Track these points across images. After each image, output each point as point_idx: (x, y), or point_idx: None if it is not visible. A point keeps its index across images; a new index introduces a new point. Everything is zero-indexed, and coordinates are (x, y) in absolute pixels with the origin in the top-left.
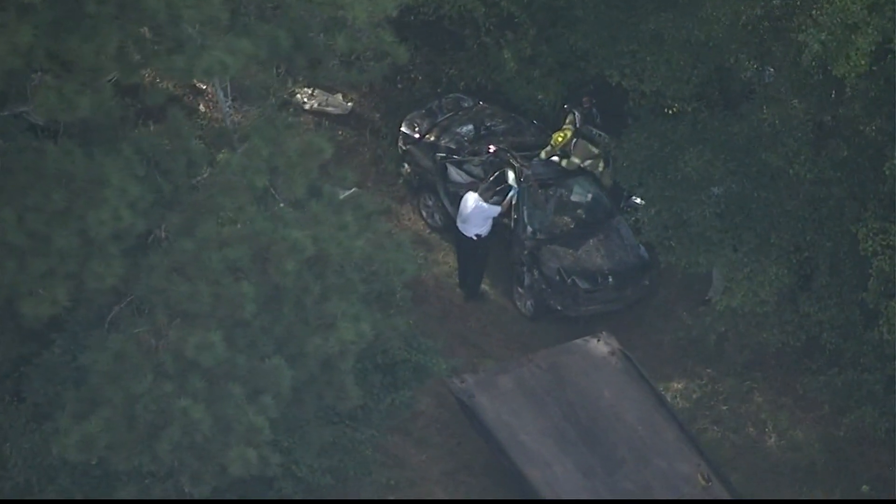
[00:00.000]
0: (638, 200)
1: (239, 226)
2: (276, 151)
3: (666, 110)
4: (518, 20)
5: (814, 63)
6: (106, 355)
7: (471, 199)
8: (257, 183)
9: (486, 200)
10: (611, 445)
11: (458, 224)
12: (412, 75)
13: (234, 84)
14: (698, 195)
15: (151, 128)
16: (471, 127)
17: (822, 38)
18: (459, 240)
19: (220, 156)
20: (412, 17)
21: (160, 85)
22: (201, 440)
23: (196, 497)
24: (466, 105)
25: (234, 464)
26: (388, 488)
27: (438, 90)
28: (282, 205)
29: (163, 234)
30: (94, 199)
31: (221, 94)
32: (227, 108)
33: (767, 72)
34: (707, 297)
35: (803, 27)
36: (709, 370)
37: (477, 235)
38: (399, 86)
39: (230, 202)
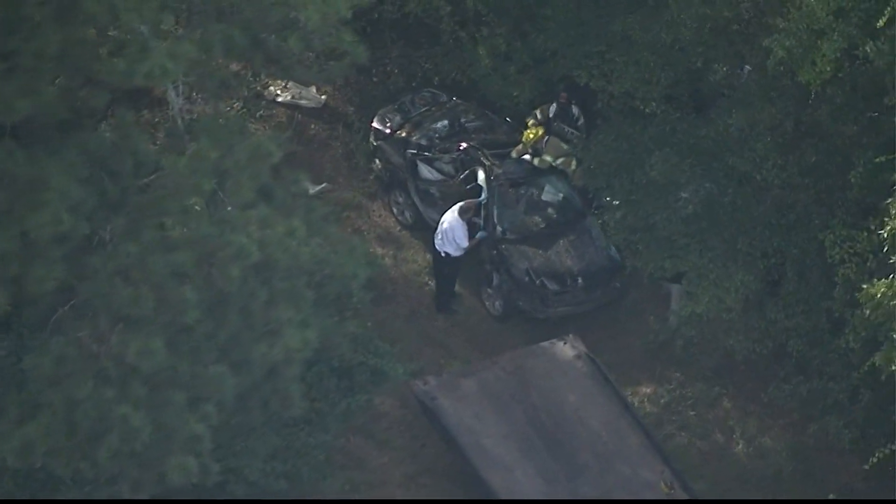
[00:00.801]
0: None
1: (185, 229)
2: (224, 154)
3: (636, 111)
4: (486, 18)
5: (780, 68)
6: (47, 359)
7: (447, 216)
8: (204, 186)
9: (464, 220)
10: (574, 450)
11: (436, 241)
12: (388, 68)
13: (193, 82)
14: (665, 199)
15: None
16: (443, 123)
17: (787, 44)
18: (435, 255)
19: (168, 158)
20: (376, 15)
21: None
22: (141, 448)
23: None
24: (440, 101)
25: (173, 472)
26: (347, 490)
27: (413, 84)
28: (229, 208)
29: (107, 237)
30: (34, 201)
31: (173, 94)
32: (179, 108)
33: (744, 72)
34: (669, 315)
35: (773, 32)
36: (678, 374)
37: (451, 254)
38: (374, 79)
39: (176, 205)
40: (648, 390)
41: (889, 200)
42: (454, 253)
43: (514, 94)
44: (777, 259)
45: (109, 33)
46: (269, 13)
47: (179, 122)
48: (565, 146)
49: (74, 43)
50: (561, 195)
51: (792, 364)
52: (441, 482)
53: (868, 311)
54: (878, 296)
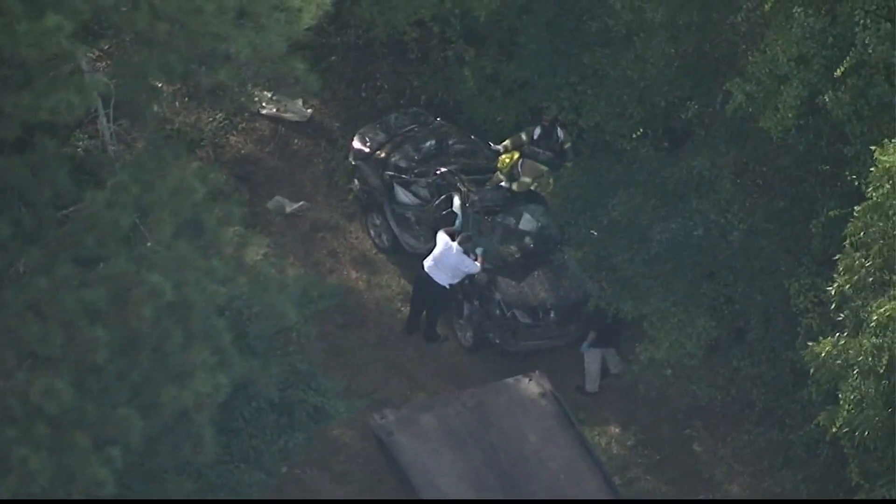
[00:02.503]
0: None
1: (101, 265)
2: (146, 188)
3: (607, 146)
4: (454, 43)
5: (739, 113)
6: None
7: (452, 248)
8: (122, 221)
9: (465, 248)
10: (530, 493)
11: (428, 266)
12: (377, 83)
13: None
14: (628, 239)
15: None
16: (423, 146)
17: (748, 88)
18: (424, 282)
19: (88, 191)
20: (338, 39)
21: None
22: (39, 491)
23: None
24: (424, 121)
25: None
26: None
27: (401, 102)
28: (149, 244)
29: (21, 270)
30: None
31: (104, 121)
32: (109, 136)
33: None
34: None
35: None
36: (649, 415)
37: (450, 285)
38: (363, 94)
39: (93, 240)
40: (617, 430)
41: (838, 256)
42: (456, 282)
43: (499, 118)
44: (742, 305)
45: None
46: (200, 43)
47: (110, 150)
48: (542, 167)
49: None
50: (538, 225)
51: (755, 413)
52: None
53: (812, 370)
54: (823, 354)
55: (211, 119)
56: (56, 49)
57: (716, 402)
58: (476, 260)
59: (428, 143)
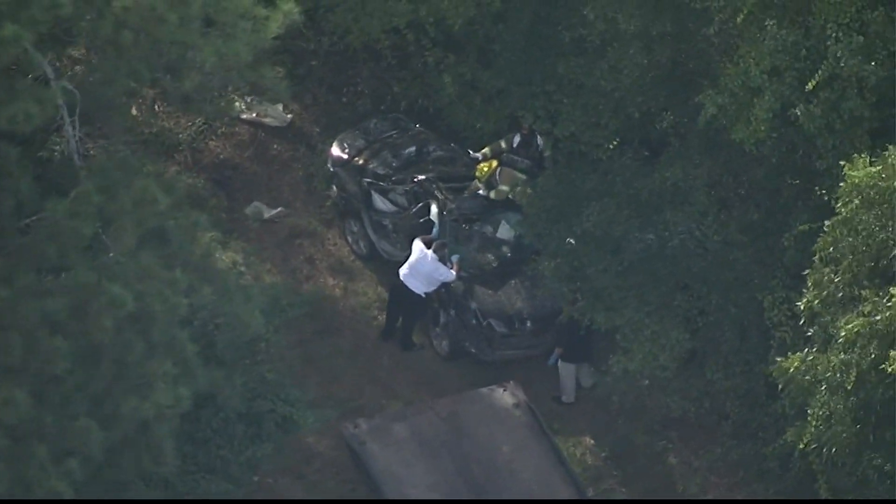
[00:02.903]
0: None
1: (63, 275)
2: (109, 198)
3: (583, 156)
4: (430, 51)
5: (713, 125)
6: None
7: (427, 256)
8: (84, 231)
9: (440, 256)
10: None
11: (403, 274)
12: (358, 88)
13: (93, 117)
14: (601, 250)
15: None
16: (402, 153)
17: (720, 101)
18: (400, 289)
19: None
20: (311, 47)
21: None
22: None
23: None
24: (403, 128)
25: None
26: None
27: (382, 108)
28: (111, 255)
29: None
30: None
31: (69, 129)
32: (74, 144)
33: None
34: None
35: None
36: (624, 426)
37: (425, 293)
38: (343, 99)
39: (55, 249)
40: (591, 441)
41: (807, 272)
42: (432, 290)
43: (478, 125)
44: (716, 317)
45: None
46: (166, 52)
47: (76, 159)
48: (520, 175)
49: None
50: (516, 233)
51: (730, 425)
52: None
53: (780, 386)
54: (792, 370)
55: (190, 123)
56: (16, 58)
57: (690, 414)
58: (452, 268)
59: (407, 150)
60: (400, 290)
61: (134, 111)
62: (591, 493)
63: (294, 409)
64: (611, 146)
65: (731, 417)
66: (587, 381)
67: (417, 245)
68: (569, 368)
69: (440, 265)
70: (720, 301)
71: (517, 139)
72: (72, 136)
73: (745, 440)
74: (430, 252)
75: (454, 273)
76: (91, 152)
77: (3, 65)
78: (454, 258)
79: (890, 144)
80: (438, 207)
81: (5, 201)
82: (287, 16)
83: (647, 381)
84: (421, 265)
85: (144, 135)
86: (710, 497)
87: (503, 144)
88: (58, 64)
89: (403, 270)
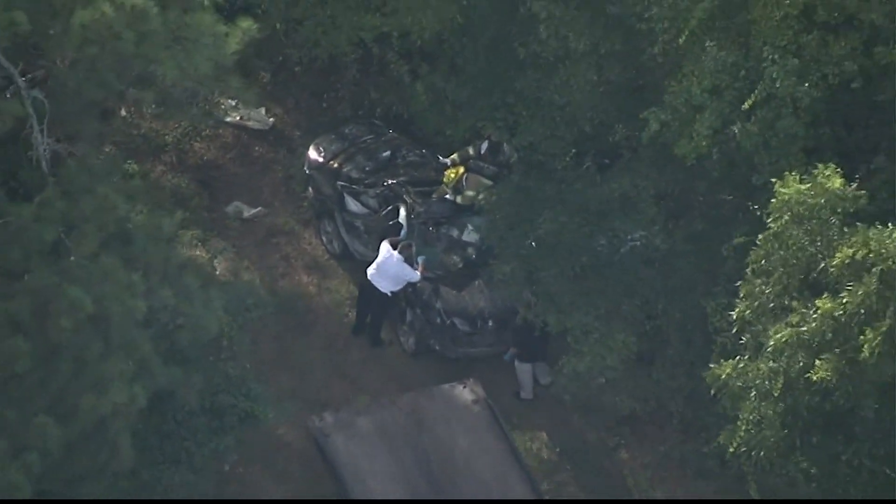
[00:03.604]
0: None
1: (26, 277)
2: (71, 204)
3: (541, 166)
4: (394, 65)
5: (658, 140)
6: None
7: (393, 256)
8: (47, 235)
9: (405, 256)
10: (458, 496)
11: (371, 274)
12: (339, 94)
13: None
14: (553, 257)
15: None
16: (375, 157)
17: (663, 117)
18: (368, 288)
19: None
20: (280, 58)
21: None
22: None
23: None
24: (378, 133)
25: None
26: None
27: (360, 113)
28: (72, 258)
29: None
30: None
31: (38, 136)
32: (43, 151)
33: None
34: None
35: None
36: (579, 422)
37: (392, 292)
38: (324, 105)
39: (19, 252)
40: (547, 436)
41: (739, 283)
42: (398, 289)
43: (448, 132)
44: (662, 322)
45: None
46: (129, 65)
47: (44, 164)
48: (486, 181)
49: None
50: (480, 236)
51: (675, 424)
52: None
53: (713, 391)
54: (724, 377)
55: (176, 126)
56: None
57: (637, 412)
58: (417, 269)
59: (380, 155)
60: (368, 289)
61: (123, 112)
62: (545, 487)
63: (255, 404)
64: (567, 158)
65: (677, 417)
66: (544, 379)
67: (385, 246)
68: (525, 367)
69: (405, 266)
70: (666, 306)
71: (485, 146)
72: (40, 143)
73: (690, 439)
74: (396, 253)
75: (419, 274)
76: (65, 155)
77: None
78: (420, 259)
79: (820, 163)
80: (407, 210)
81: None
82: (246, 32)
83: (603, 379)
84: (387, 265)
85: (132, 136)
86: (657, 492)
87: (471, 151)
88: (28, 76)
89: (371, 270)
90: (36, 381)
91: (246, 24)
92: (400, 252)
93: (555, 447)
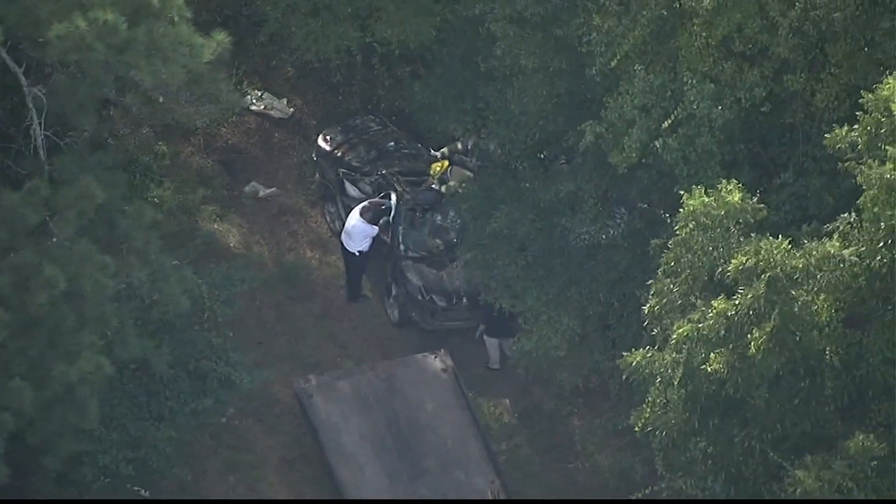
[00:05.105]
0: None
1: (11, 255)
2: (55, 191)
3: (506, 165)
4: (377, 70)
5: (590, 150)
6: None
7: (353, 218)
8: (31, 219)
9: (366, 220)
10: (421, 455)
11: (343, 238)
12: (353, 89)
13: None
14: (508, 248)
15: None
16: (375, 147)
17: (598, 130)
18: (343, 251)
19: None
20: (273, 62)
21: None
22: None
23: None
24: (380, 126)
25: None
26: (228, 468)
27: (369, 107)
28: (54, 240)
29: None
30: None
31: (37, 129)
32: (40, 142)
33: None
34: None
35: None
36: (540, 390)
37: (359, 252)
38: (340, 97)
39: (6, 233)
40: (508, 403)
41: (650, 281)
42: (365, 247)
43: (438, 128)
44: (603, 308)
45: None
46: (110, 71)
47: (41, 154)
48: (468, 173)
49: None
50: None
51: (613, 399)
52: (314, 468)
53: (625, 376)
54: (634, 364)
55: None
56: None
57: (588, 385)
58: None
59: (379, 146)
60: (342, 251)
61: (160, 99)
62: (503, 447)
63: (233, 370)
64: (523, 162)
65: (614, 392)
66: (510, 351)
67: (354, 213)
68: (493, 341)
69: (366, 225)
70: (606, 295)
71: (471, 143)
72: (38, 134)
73: (624, 412)
74: (359, 216)
75: (377, 228)
76: (63, 144)
77: None
78: (382, 221)
79: (737, 176)
80: (397, 197)
81: None
82: (220, 44)
83: (561, 353)
84: (352, 228)
85: (167, 119)
86: (602, 457)
87: (459, 146)
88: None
89: (343, 235)
90: (15, 349)
91: (220, 36)
92: (360, 215)
93: (514, 413)
